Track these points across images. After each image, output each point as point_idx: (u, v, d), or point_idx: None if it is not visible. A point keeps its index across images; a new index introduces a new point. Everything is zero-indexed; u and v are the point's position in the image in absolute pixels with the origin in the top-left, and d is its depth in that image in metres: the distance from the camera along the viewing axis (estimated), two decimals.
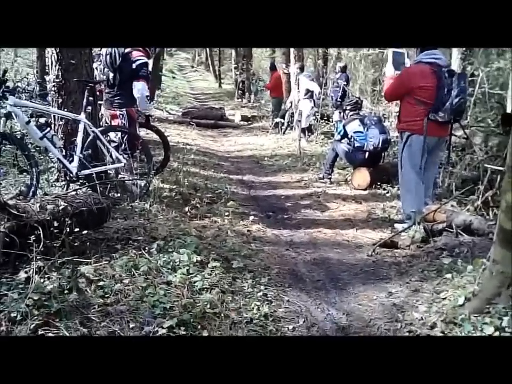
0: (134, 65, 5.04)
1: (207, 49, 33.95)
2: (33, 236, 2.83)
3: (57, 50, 4.51)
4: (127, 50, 5.13)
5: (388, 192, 5.90)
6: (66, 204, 3.25)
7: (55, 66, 4.58)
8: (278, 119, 11.79)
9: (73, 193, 3.61)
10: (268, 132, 12.39)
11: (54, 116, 4.70)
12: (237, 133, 13.04)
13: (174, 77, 31.11)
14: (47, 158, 5.11)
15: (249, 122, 14.62)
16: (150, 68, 5.36)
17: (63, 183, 4.62)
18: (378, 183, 6.17)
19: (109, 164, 4.71)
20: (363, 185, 6.18)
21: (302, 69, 10.83)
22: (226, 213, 4.71)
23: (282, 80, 12.91)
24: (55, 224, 3.06)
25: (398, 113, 4.86)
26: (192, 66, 39.63)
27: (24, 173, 4.76)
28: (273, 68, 14.11)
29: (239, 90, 21.70)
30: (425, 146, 4.39)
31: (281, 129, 11.62)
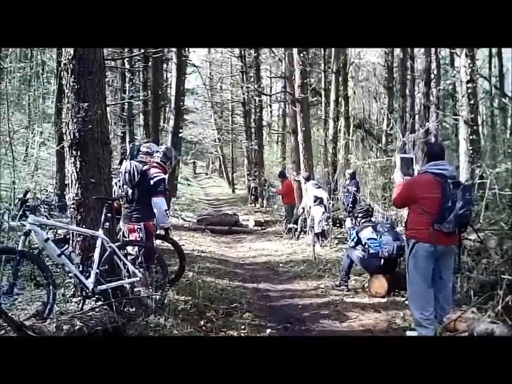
0: (152, 182, 5.26)
1: (221, 156, 35.28)
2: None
3: (77, 170, 4.72)
4: (145, 167, 5.37)
5: (406, 299, 5.77)
6: (82, 324, 3.24)
7: (75, 184, 4.76)
8: (291, 225, 11.93)
9: (89, 312, 3.58)
10: (281, 236, 12.48)
11: (72, 233, 4.81)
12: (251, 238, 13.13)
13: (189, 184, 32.05)
14: (63, 273, 5.15)
15: (263, 227, 14.78)
16: (166, 182, 5.56)
17: (79, 298, 4.63)
18: (397, 290, 6.06)
19: (125, 278, 4.73)
20: (381, 292, 6.07)
21: (308, 178, 11.21)
22: (242, 326, 4.62)
23: (293, 187, 13.26)
24: None
25: (405, 221, 4.91)
26: (207, 174, 40.94)
27: (40, 288, 4.80)
28: (283, 175, 14.53)
29: (251, 195, 22.21)
30: (431, 255, 4.37)
31: (295, 234, 11.71)
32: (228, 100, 28.78)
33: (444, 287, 4.59)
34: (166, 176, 5.63)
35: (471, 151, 9.41)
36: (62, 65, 4.75)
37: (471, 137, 9.48)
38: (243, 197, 25.89)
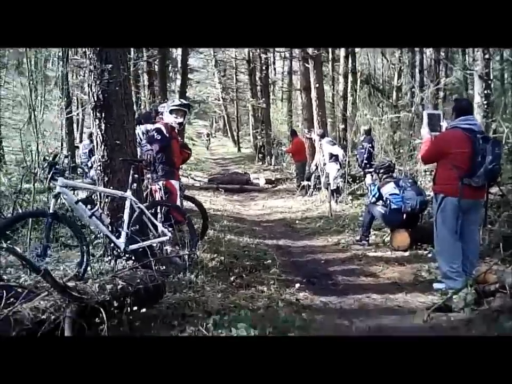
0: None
1: (225, 115, 34.99)
2: (96, 318, 2.87)
3: (103, 132, 4.70)
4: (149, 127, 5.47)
5: (429, 253, 5.84)
6: (124, 283, 3.29)
7: (101, 146, 4.75)
8: (305, 182, 11.93)
9: (128, 271, 3.63)
10: (293, 194, 12.51)
11: (100, 194, 4.83)
12: (263, 196, 13.18)
13: (194, 144, 31.90)
14: (92, 233, 5.21)
15: (274, 185, 14.80)
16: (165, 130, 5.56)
17: (109, 258, 4.70)
18: (419, 244, 6.12)
19: (154, 238, 4.78)
20: (403, 246, 6.13)
21: (323, 135, 11.11)
22: (272, 281, 4.70)
23: (304, 145, 13.19)
24: (115, 304, 3.10)
25: (433, 175, 4.90)
26: (211, 133, 40.65)
27: (66, 248, 4.88)
28: (294, 133, 14.45)
29: (259, 154, 22.12)
30: (459, 209, 4.40)
31: (308, 191, 11.73)
32: (232, 57, 28.26)
33: (471, 241, 4.65)
34: (164, 129, 5.55)
35: (485, 106, 9.30)
36: None
37: (485, 91, 9.34)
38: (249, 156, 25.82)
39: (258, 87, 23.95)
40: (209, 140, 35.82)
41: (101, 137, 4.72)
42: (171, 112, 5.54)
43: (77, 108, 16.96)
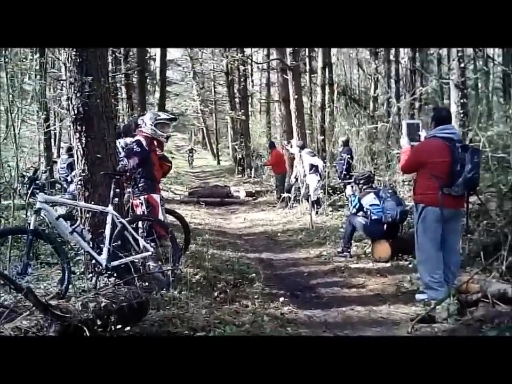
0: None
1: (204, 128, 34.98)
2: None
3: (83, 145, 4.64)
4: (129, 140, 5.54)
5: (410, 263, 5.89)
6: (107, 301, 3.23)
7: (81, 160, 4.69)
8: (285, 194, 11.95)
9: (111, 288, 3.57)
10: (274, 206, 12.52)
11: (80, 209, 4.76)
12: (244, 209, 13.16)
13: (173, 157, 31.74)
14: (72, 250, 5.12)
15: (254, 197, 14.80)
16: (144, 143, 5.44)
17: (90, 275, 4.62)
18: (399, 254, 6.17)
19: (136, 253, 4.72)
20: (385, 257, 6.17)
21: (302, 147, 11.14)
22: (256, 296, 4.68)
23: (284, 157, 13.25)
24: (98, 322, 3.04)
25: (413, 185, 4.96)
26: (193, 148, 40.53)
27: (45, 266, 4.78)
28: (272, 145, 14.53)
29: (239, 166, 22.14)
30: (440, 218, 4.45)
31: (288, 203, 11.75)
32: (210, 70, 28.34)
33: (453, 250, 4.70)
34: (143, 141, 5.47)
35: (462, 115, 9.48)
36: None
37: (461, 100, 9.54)
38: (229, 168, 25.82)
39: (237, 99, 24.02)
40: (192, 155, 32.27)
41: (81, 151, 4.66)
42: (156, 125, 5.44)
43: (54, 122, 16.75)
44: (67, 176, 9.48)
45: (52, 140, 16.48)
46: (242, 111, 22.06)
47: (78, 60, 4.47)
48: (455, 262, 4.72)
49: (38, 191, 4.17)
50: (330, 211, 10.11)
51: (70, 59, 4.50)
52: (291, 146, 11.91)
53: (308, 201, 9.76)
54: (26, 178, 4.20)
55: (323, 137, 14.35)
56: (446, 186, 4.41)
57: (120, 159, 5.21)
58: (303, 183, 10.74)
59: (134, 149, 5.30)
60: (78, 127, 4.60)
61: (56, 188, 10.19)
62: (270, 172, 17.18)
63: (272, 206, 12.70)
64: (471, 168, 4.35)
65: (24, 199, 4.45)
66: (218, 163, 30.42)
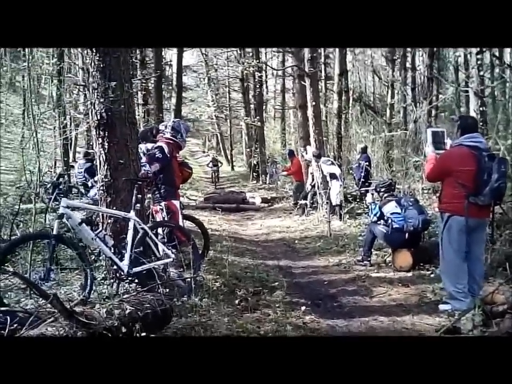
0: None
1: (218, 134, 35.09)
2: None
3: (106, 151, 4.63)
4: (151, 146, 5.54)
5: (431, 273, 5.80)
6: (132, 308, 3.21)
7: (103, 166, 4.68)
8: (302, 201, 11.87)
9: (135, 295, 3.55)
10: (290, 213, 12.46)
11: (102, 215, 4.75)
12: (260, 215, 13.12)
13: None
14: (92, 255, 5.11)
15: (270, 204, 14.75)
16: (166, 150, 5.55)
17: (111, 281, 4.60)
18: (421, 264, 6.08)
19: (158, 260, 4.69)
20: (406, 266, 6.08)
21: (319, 156, 11.01)
22: (277, 304, 4.63)
23: (301, 164, 13.20)
24: (123, 330, 3.02)
25: (439, 194, 4.89)
26: (204, 151, 40.67)
27: (65, 271, 4.76)
28: (291, 154, 14.43)
29: (253, 173, 22.12)
30: (466, 228, 4.37)
31: (305, 210, 11.68)
32: (226, 76, 28.44)
33: (477, 260, 4.61)
34: (165, 148, 5.53)
35: (481, 123, 9.37)
36: None
37: (480, 108, 9.44)
38: (243, 174, 25.80)
39: (252, 105, 24.04)
40: (218, 170, 23.11)
41: (104, 157, 4.65)
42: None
43: (70, 127, 16.91)
44: (85, 181, 9.52)
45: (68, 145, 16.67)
46: (257, 117, 22.06)
47: (102, 65, 4.47)
48: (480, 272, 4.63)
49: (61, 196, 4.17)
50: (348, 219, 10.04)
51: (93, 64, 4.50)
52: (306, 153, 11.84)
53: (328, 208, 9.65)
54: (50, 183, 4.20)
55: (339, 144, 14.28)
56: (472, 196, 4.34)
57: (142, 164, 5.23)
58: (319, 190, 10.66)
59: (156, 155, 5.34)
60: (101, 133, 4.59)
61: (73, 193, 10.26)
62: (285, 178, 17.11)
63: (288, 213, 12.65)
64: (498, 177, 4.28)
65: (47, 203, 4.44)
66: (233, 169, 30.47)
